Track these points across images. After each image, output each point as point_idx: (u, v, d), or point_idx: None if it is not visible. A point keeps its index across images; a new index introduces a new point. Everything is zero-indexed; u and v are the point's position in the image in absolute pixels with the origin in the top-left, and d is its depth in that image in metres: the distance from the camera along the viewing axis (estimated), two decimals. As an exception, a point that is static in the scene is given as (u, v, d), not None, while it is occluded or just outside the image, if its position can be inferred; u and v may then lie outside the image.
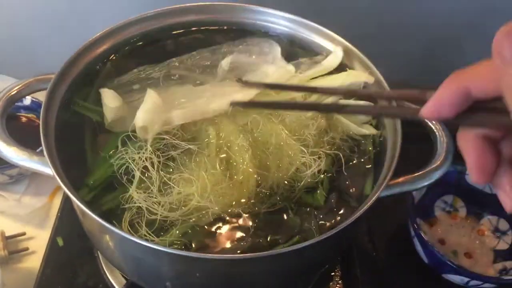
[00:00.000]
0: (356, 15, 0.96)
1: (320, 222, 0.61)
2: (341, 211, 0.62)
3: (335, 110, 0.61)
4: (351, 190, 0.64)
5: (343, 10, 0.95)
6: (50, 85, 0.65)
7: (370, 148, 0.67)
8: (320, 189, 0.62)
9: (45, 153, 0.58)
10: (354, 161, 0.66)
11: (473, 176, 0.35)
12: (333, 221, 0.61)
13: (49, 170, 0.58)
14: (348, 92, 0.68)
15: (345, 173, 0.64)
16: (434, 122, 0.68)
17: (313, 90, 0.65)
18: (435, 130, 0.68)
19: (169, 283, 0.60)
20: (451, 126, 0.41)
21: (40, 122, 0.62)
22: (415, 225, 0.76)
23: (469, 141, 0.35)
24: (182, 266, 0.57)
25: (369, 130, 0.69)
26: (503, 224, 0.83)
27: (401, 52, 1.00)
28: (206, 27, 0.80)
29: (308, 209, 0.61)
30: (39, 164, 0.60)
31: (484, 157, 0.34)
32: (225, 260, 0.55)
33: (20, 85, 0.67)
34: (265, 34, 0.80)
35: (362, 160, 0.67)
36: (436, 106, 0.34)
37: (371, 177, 0.65)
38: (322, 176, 0.63)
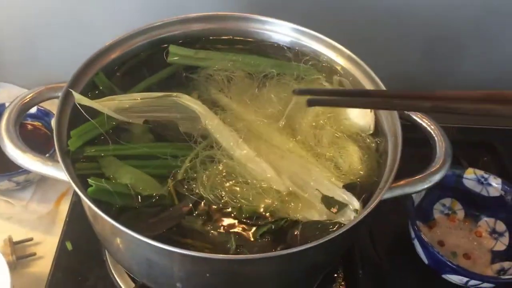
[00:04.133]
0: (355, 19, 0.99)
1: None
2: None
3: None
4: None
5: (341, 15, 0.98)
6: (62, 92, 0.67)
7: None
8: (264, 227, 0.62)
9: (59, 159, 0.60)
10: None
11: None
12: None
13: (63, 175, 0.60)
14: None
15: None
16: (433, 127, 0.71)
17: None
18: (434, 135, 0.71)
19: (180, 284, 0.62)
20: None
21: (54, 129, 0.64)
22: (415, 227, 0.78)
23: None
24: (193, 267, 0.59)
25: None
26: (500, 226, 0.85)
27: (401, 56, 1.02)
28: (212, 37, 0.82)
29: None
30: (53, 169, 0.62)
31: None
32: (235, 261, 0.57)
33: (32, 94, 0.69)
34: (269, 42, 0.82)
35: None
36: None
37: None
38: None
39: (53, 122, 0.98)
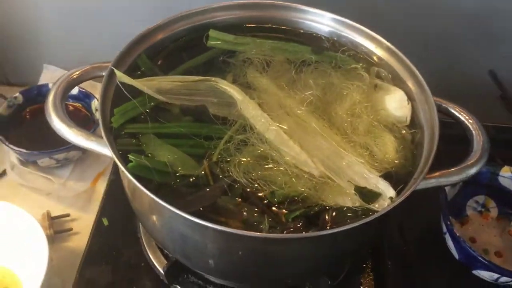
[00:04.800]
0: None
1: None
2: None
3: None
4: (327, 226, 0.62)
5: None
6: (107, 71, 0.69)
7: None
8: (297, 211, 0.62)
9: (103, 134, 0.63)
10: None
11: None
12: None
13: (105, 150, 0.63)
14: None
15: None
16: (471, 121, 0.71)
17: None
18: (471, 129, 0.70)
19: (212, 260, 0.64)
20: None
21: (99, 105, 0.66)
22: (447, 221, 0.77)
23: None
24: (226, 244, 0.61)
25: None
26: (534, 226, 0.84)
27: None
28: (250, 24, 0.83)
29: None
30: (96, 144, 0.64)
31: None
32: (268, 239, 0.58)
33: (78, 71, 0.71)
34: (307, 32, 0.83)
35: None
36: None
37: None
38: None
39: (93, 104, 1.01)
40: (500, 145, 0.92)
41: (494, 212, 0.87)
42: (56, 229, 0.88)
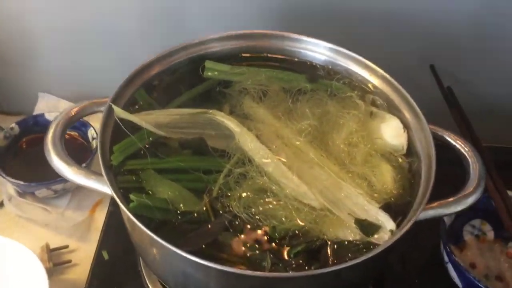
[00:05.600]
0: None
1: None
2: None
3: None
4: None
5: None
6: (106, 107, 0.70)
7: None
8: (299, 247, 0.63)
9: (103, 173, 0.63)
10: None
11: None
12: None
13: (106, 189, 0.63)
14: None
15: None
16: (467, 148, 0.71)
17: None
18: (467, 157, 0.71)
19: (214, 298, 0.64)
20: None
21: (98, 143, 0.66)
22: (449, 251, 0.77)
23: None
24: (229, 282, 0.61)
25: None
26: (531, 247, 0.85)
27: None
28: (246, 54, 0.84)
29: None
30: (96, 183, 0.64)
31: None
32: (271, 278, 0.58)
33: (77, 108, 0.71)
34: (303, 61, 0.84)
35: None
36: None
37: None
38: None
39: (89, 132, 1.01)
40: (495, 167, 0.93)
41: (490, 235, 0.87)
42: (55, 262, 0.88)
